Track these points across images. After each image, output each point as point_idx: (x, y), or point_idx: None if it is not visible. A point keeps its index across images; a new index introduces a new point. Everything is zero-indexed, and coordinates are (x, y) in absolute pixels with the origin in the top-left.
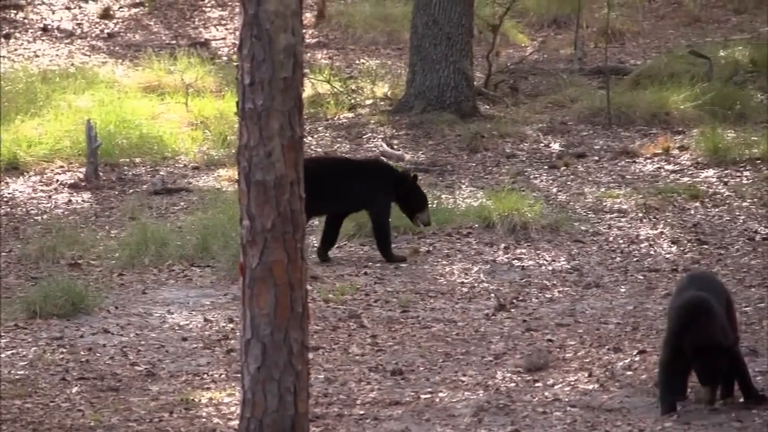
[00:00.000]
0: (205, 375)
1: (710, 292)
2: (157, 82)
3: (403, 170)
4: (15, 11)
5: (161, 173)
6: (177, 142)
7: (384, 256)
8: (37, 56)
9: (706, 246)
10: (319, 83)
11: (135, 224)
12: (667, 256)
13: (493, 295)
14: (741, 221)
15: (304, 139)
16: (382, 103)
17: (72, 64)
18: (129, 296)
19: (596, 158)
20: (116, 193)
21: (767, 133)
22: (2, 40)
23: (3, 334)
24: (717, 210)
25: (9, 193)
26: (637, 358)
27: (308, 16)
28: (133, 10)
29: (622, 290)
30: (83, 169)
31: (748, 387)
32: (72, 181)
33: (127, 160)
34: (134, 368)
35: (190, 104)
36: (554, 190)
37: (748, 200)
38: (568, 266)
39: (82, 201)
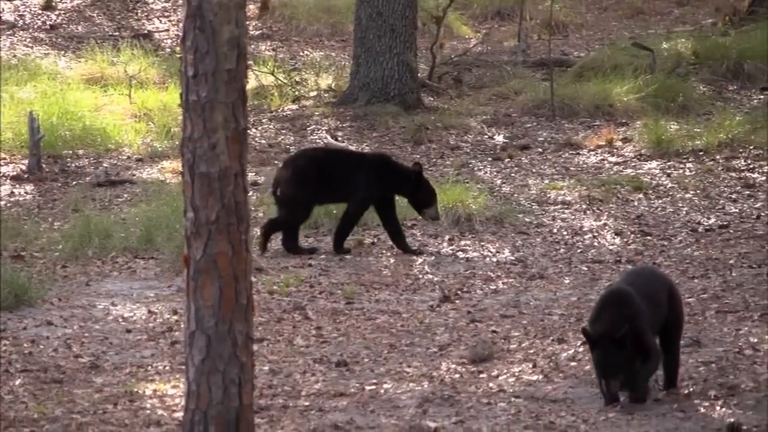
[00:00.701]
0: (150, 367)
1: (647, 285)
2: (100, 74)
3: (412, 166)
4: None
5: (105, 165)
6: (120, 134)
7: (335, 245)
8: None
9: (649, 237)
10: (263, 75)
11: (78, 216)
12: (611, 247)
13: (437, 286)
14: (684, 213)
15: (249, 132)
16: (326, 95)
17: (14, 56)
18: (72, 288)
19: (540, 150)
20: (59, 185)
21: (710, 124)
22: None
23: None
24: (660, 201)
25: None
26: (581, 349)
27: (252, 8)
28: (76, 2)
29: (566, 281)
30: (26, 161)
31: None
32: (14, 173)
33: (70, 152)
34: (78, 360)
35: (134, 96)
36: (498, 181)
37: (691, 192)
38: (513, 258)
39: (25, 193)
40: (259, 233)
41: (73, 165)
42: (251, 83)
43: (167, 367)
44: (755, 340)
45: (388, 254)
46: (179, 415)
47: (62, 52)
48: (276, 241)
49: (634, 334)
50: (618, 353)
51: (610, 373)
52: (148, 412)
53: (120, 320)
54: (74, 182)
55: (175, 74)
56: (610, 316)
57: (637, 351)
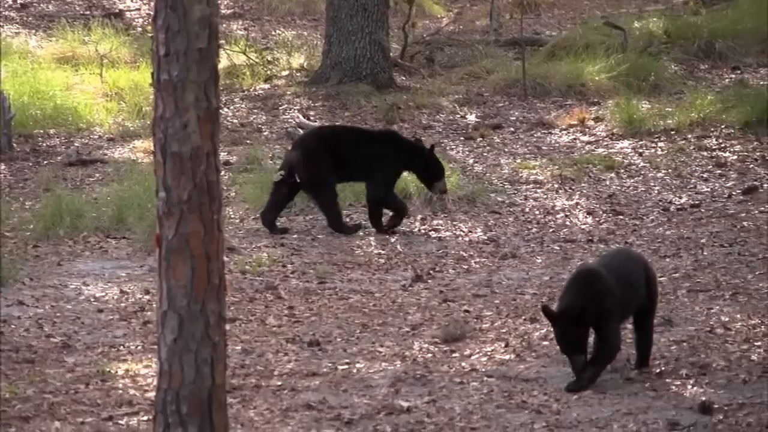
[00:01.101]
0: (122, 347)
1: (622, 266)
2: (71, 53)
3: (416, 141)
4: None
5: (76, 144)
6: (92, 113)
7: (377, 229)
8: None
9: (621, 217)
10: (235, 54)
11: (50, 196)
12: (583, 226)
13: (410, 266)
14: (656, 192)
15: (220, 111)
16: (298, 74)
17: None
18: (44, 268)
19: (512, 129)
20: (30, 164)
21: (681, 104)
22: None
23: None
24: (632, 181)
25: None
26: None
27: None
28: None
29: (539, 261)
30: None
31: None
32: None
33: (42, 131)
34: (50, 340)
35: (105, 75)
36: (470, 161)
37: (663, 171)
38: (485, 237)
39: None
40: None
41: (45, 144)
42: (223, 62)
43: (139, 347)
44: (726, 319)
45: (361, 234)
46: (151, 395)
47: (33, 31)
48: (250, 222)
49: (598, 312)
50: (576, 330)
51: (571, 349)
52: (120, 392)
53: (92, 300)
54: (45, 162)
55: (147, 53)
56: (576, 294)
57: (597, 332)
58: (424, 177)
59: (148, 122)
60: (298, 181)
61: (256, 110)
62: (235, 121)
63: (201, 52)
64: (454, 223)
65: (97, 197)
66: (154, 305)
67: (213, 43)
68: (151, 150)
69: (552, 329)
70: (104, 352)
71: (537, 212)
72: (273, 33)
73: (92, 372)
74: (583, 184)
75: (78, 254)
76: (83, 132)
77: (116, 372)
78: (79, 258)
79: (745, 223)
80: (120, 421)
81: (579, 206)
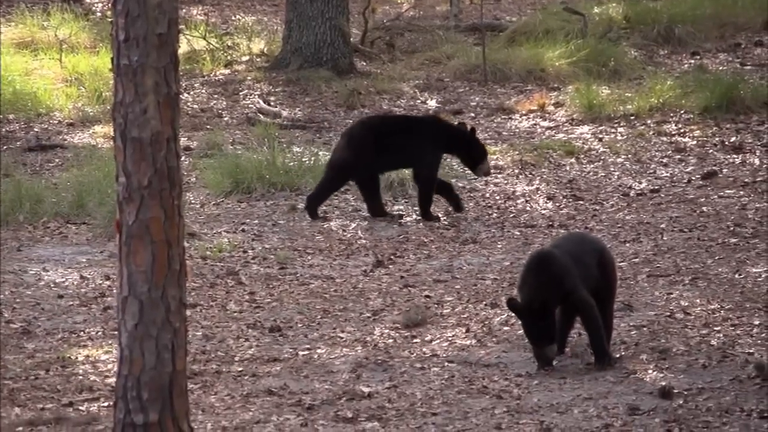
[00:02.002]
0: (82, 332)
1: (575, 247)
2: (30, 38)
3: (459, 124)
4: None
5: (35, 130)
6: (51, 98)
7: (423, 215)
8: None
9: (581, 202)
10: (195, 39)
11: (9, 181)
12: (543, 211)
13: (370, 251)
14: (615, 177)
15: (180, 96)
16: (258, 59)
17: None
18: (3, 254)
19: (473, 115)
20: None
21: (641, 89)
22: None
23: None
24: (592, 166)
25: None
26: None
27: None
28: None
29: (499, 246)
30: None
31: (593, 347)
32: None
33: (1, 116)
34: (9, 326)
35: (65, 60)
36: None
37: (623, 156)
38: (446, 222)
39: None
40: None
41: (4, 130)
42: (183, 48)
43: (100, 333)
44: (686, 304)
45: (322, 219)
46: (112, 380)
47: None
48: (210, 207)
49: (564, 293)
50: (541, 322)
51: (539, 341)
52: (81, 377)
53: (52, 286)
54: (5, 147)
55: (107, 38)
56: (533, 285)
57: (575, 309)
58: (467, 159)
59: (108, 107)
60: (342, 168)
61: (216, 95)
62: (196, 106)
63: (161, 37)
64: (415, 208)
65: (56, 183)
66: (115, 291)
67: (173, 29)
68: (111, 135)
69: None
70: (64, 338)
71: (497, 197)
72: (233, 18)
73: (52, 358)
74: (543, 170)
75: (38, 240)
76: (43, 117)
77: (77, 358)
78: (39, 243)
79: (704, 208)
80: (80, 407)
81: (539, 191)
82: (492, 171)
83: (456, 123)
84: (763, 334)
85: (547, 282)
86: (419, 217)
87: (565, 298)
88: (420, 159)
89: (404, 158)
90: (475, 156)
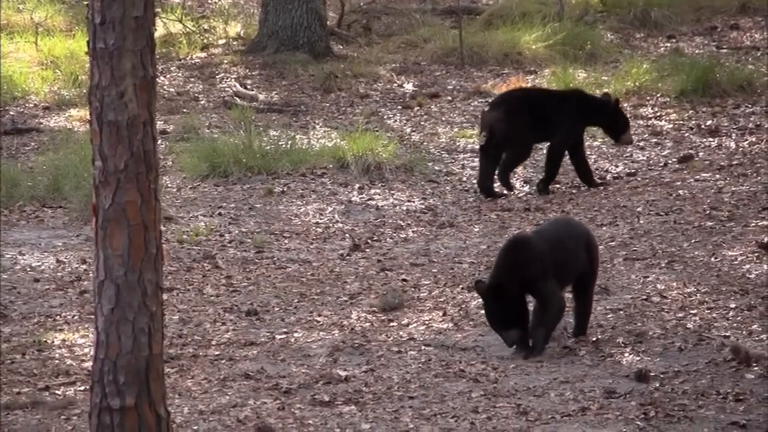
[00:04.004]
0: (58, 316)
1: (559, 233)
2: (5, 21)
3: (603, 95)
4: None
5: (11, 113)
6: (27, 81)
7: (541, 190)
8: None
9: (558, 185)
10: (171, 23)
11: None
12: (520, 195)
13: (347, 235)
14: (592, 160)
15: (157, 80)
16: (235, 42)
17: None
18: None
19: (449, 98)
20: None
21: (617, 72)
22: None
23: None
24: None
25: None
26: None
27: None
28: None
29: (476, 230)
30: None
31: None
32: None
33: None
34: None
35: (40, 44)
36: (408, 130)
37: (599, 139)
38: (423, 206)
39: None
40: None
41: None
42: (159, 31)
43: (76, 317)
44: (663, 287)
45: (299, 203)
46: (88, 364)
47: None
48: (187, 191)
49: (528, 280)
50: (497, 306)
51: (496, 324)
52: (57, 362)
53: (28, 269)
54: None
55: (82, 21)
56: (500, 264)
57: (535, 297)
58: (610, 130)
59: (84, 91)
60: (498, 139)
61: (192, 79)
62: (172, 89)
63: (137, 20)
64: (392, 192)
65: (32, 166)
66: (91, 275)
67: (149, 11)
68: (87, 119)
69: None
70: (40, 322)
71: (474, 181)
72: (209, 1)
73: (28, 342)
74: None
75: (14, 224)
76: (18, 101)
77: (53, 342)
78: (15, 227)
79: (680, 192)
80: (57, 391)
81: (516, 175)
82: (468, 153)
83: (600, 95)
84: (739, 318)
85: (511, 266)
86: (396, 200)
87: (527, 284)
88: (561, 131)
89: (551, 131)
90: (618, 126)
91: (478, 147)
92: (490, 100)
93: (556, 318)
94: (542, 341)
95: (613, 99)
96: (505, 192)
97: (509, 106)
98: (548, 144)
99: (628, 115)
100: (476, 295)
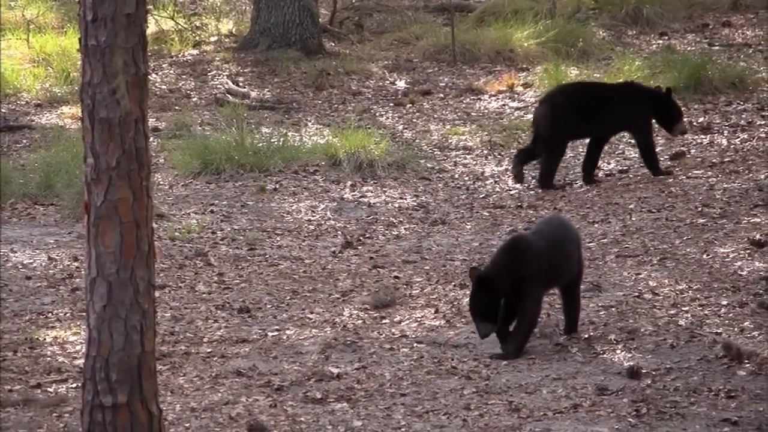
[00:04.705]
0: (50, 314)
1: (557, 233)
2: None
3: (656, 87)
4: None
5: (3, 111)
6: (18, 79)
7: (651, 170)
8: None
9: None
10: (163, 20)
11: None
12: (512, 192)
13: (340, 232)
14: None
15: (149, 77)
16: (227, 40)
17: None
18: None
19: (441, 95)
20: None
21: (609, 69)
22: None
23: None
24: None
25: None
26: None
27: None
28: None
29: (468, 227)
30: None
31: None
32: None
33: None
34: None
35: (32, 41)
36: (400, 127)
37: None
38: (415, 203)
39: None
40: (512, 164)
41: None
42: (151, 28)
43: (68, 314)
44: (654, 284)
45: (291, 200)
46: (80, 362)
47: None
48: (179, 189)
49: (516, 280)
50: (480, 296)
51: (477, 314)
52: (49, 359)
53: (20, 267)
54: None
55: (74, 18)
56: (494, 262)
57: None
58: (663, 121)
59: (76, 88)
60: (536, 136)
61: (184, 76)
62: (164, 87)
63: (129, 17)
64: (384, 189)
65: (24, 164)
66: (83, 272)
67: (141, 8)
68: (79, 116)
69: None
70: (32, 320)
71: (466, 178)
72: None
73: (20, 339)
74: (512, 150)
75: (5, 221)
76: (10, 98)
77: (45, 339)
78: (7, 225)
79: (672, 189)
80: (48, 389)
81: (508, 172)
82: (460, 150)
83: (654, 87)
84: (731, 315)
85: (508, 264)
86: (388, 198)
87: (517, 283)
88: (635, 127)
89: (602, 125)
90: (672, 117)
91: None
92: (542, 95)
93: (532, 324)
94: (518, 348)
95: (664, 89)
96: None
97: (556, 102)
98: (637, 141)
99: None
100: (468, 291)
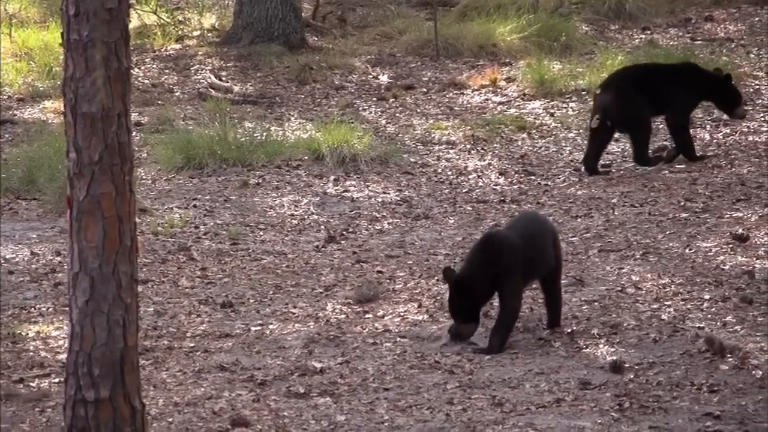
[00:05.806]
0: (33, 308)
1: (531, 227)
2: None
3: (715, 70)
4: None
5: None
6: (1, 73)
7: (690, 156)
8: None
9: (533, 177)
10: (146, 14)
11: None
12: (495, 187)
13: (323, 227)
14: (567, 152)
15: (131, 71)
16: (209, 34)
17: None
18: None
19: (425, 90)
20: None
21: (592, 64)
22: None
23: None
24: (543, 141)
25: None
26: None
27: None
28: None
29: (451, 221)
30: None
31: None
32: None
33: None
34: None
35: (14, 35)
36: (383, 122)
37: (574, 131)
38: (398, 198)
39: None
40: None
41: None
42: (133, 22)
43: (50, 309)
44: (637, 279)
45: (274, 195)
46: (63, 357)
47: None
48: (162, 183)
49: (494, 276)
50: (458, 299)
51: (455, 315)
52: (31, 354)
53: (2, 262)
54: None
55: (56, 13)
56: (471, 257)
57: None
58: (723, 104)
59: (59, 82)
60: (611, 123)
61: (167, 71)
62: (147, 81)
63: (111, 12)
64: (367, 183)
65: (6, 158)
66: (66, 267)
67: (123, 3)
68: (61, 110)
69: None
70: (15, 314)
71: (449, 173)
72: None
73: (3, 334)
74: (495, 145)
75: None
76: None
77: (27, 334)
78: None
79: (655, 183)
80: (31, 384)
81: (491, 167)
82: (443, 144)
83: (712, 70)
84: (713, 309)
85: (484, 262)
86: (372, 192)
87: (495, 279)
88: (676, 104)
89: (665, 105)
90: (731, 101)
91: (589, 127)
92: (601, 82)
93: (514, 318)
94: (501, 342)
95: (723, 74)
96: (611, 170)
97: (620, 86)
98: (666, 120)
99: None
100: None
